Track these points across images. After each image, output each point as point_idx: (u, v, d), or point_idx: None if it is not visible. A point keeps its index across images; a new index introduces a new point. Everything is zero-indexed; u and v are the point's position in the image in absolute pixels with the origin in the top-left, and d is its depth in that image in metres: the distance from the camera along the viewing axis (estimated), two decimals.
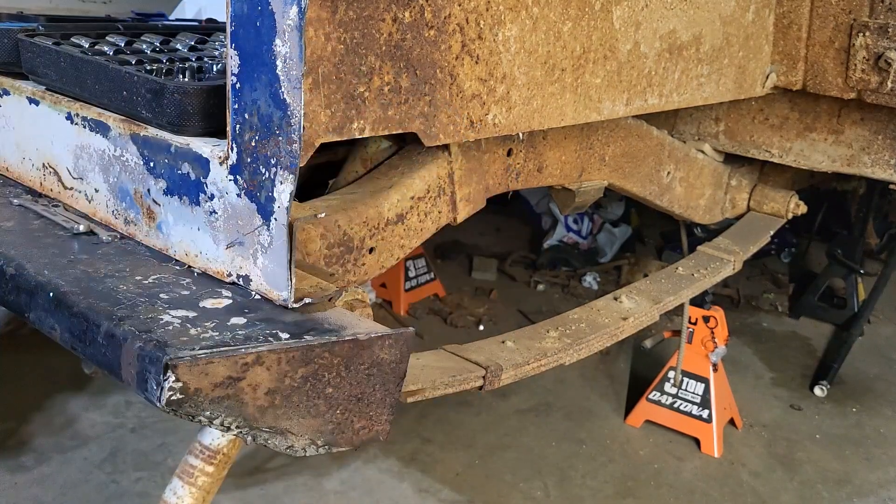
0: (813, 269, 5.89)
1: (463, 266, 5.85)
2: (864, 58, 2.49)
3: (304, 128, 1.28)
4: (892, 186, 2.88)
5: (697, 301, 4.18)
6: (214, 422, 1.23)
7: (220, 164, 1.42)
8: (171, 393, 1.16)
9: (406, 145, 1.87)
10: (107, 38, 1.92)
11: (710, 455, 3.76)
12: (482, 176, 1.97)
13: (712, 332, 3.75)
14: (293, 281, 1.34)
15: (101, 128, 1.65)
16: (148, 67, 1.71)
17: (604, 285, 5.64)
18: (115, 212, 1.65)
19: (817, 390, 4.36)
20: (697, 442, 3.82)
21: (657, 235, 6.50)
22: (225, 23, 1.34)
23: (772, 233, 3.09)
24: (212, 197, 1.44)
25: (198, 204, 1.47)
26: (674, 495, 3.49)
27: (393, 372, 1.37)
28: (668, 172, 2.77)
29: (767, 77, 2.66)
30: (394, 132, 1.51)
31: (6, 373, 3.95)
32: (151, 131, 1.56)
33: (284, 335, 1.28)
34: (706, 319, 3.76)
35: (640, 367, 4.48)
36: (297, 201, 1.58)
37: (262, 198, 1.35)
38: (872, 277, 5.06)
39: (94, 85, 1.68)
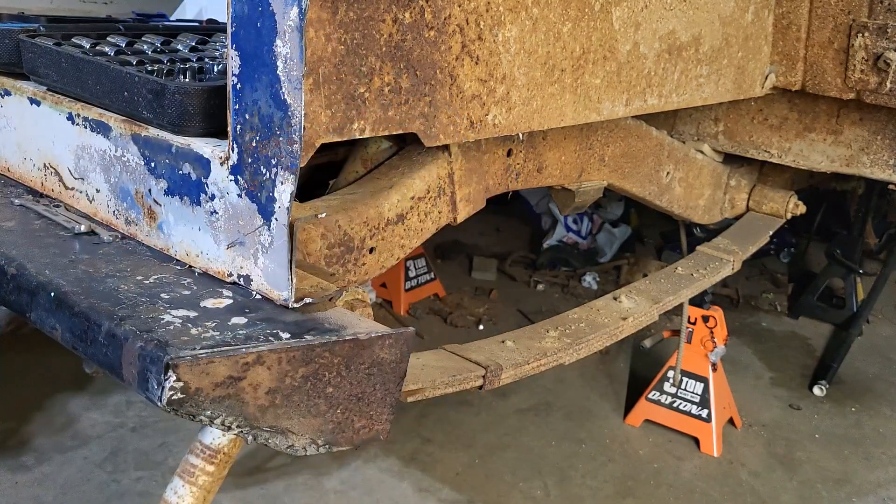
0: (812, 269, 5.90)
1: (463, 266, 5.86)
2: (863, 58, 2.49)
3: (304, 128, 1.28)
4: (891, 186, 2.88)
5: (697, 301, 4.19)
6: (215, 421, 1.23)
7: (221, 164, 1.42)
8: (172, 392, 1.17)
9: (406, 145, 1.87)
10: (108, 38, 1.93)
11: (710, 454, 3.77)
12: (482, 176, 1.97)
13: (711, 332, 3.76)
14: (294, 281, 1.35)
15: (102, 128, 1.65)
16: (149, 68, 1.72)
17: (603, 285, 5.65)
18: (117, 212, 1.66)
19: (816, 390, 4.37)
20: (697, 441, 3.82)
21: (657, 235, 6.51)
22: (226, 23, 1.34)
23: (771, 233, 3.10)
24: (213, 197, 1.45)
25: (199, 204, 1.48)
26: (673, 495, 3.49)
27: (393, 371, 1.38)
28: (668, 173, 2.77)
29: (766, 77, 2.66)
30: (394, 132, 1.51)
31: (7, 373, 3.96)
32: (152, 132, 1.56)
33: (285, 335, 1.29)
34: (705, 319, 3.76)
35: (639, 367, 4.48)
36: (297, 201, 1.58)
37: (262, 198, 1.36)
38: (871, 277, 5.06)
39: (95, 85, 1.68)
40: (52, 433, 3.59)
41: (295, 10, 1.24)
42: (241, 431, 1.27)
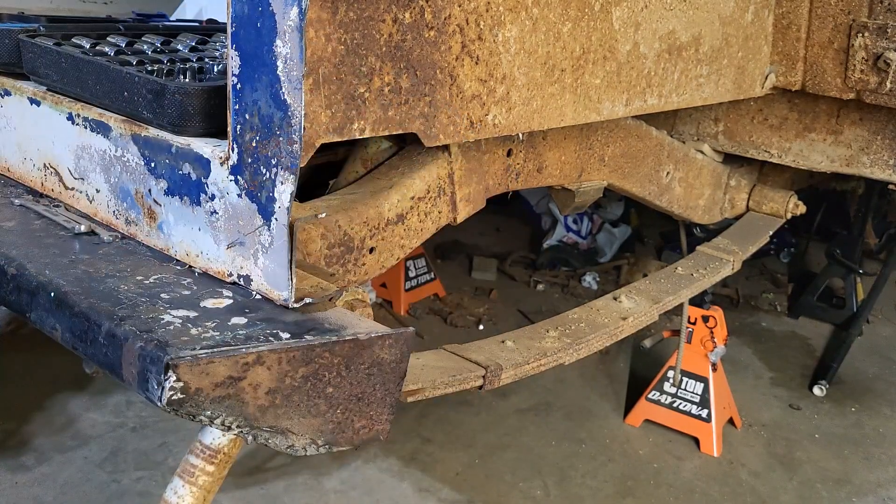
0: (812, 268, 5.90)
1: (463, 266, 5.86)
2: (863, 58, 2.49)
3: (304, 128, 1.28)
4: (891, 186, 2.88)
5: (697, 301, 4.19)
6: (215, 421, 1.23)
7: (221, 164, 1.42)
8: (171, 393, 1.17)
9: (406, 146, 1.87)
10: (108, 38, 1.93)
11: (710, 454, 3.77)
12: (482, 176, 1.97)
13: (711, 332, 3.76)
14: (294, 281, 1.35)
15: (102, 128, 1.66)
16: (149, 68, 1.72)
17: (603, 285, 5.65)
18: (117, 212, 1.66)
19: (816, 390, 4.37)
20: (697, 441, 3.82)
21: (657, 235, 6.51)
22: (226, 23, 1.34)
23: (771, 233, 3.10)
24: (213, 197, 1.45)
25: (199, 204, 1.48)
26: (673, 495, 3.49)
27: (393, 371, 1.38)
28: (668, 173, 2.77)
29: (766, 77, 2.66)
30: (394, 133, 1.51)
31: (7, 373, 3.96)
32: (152, 132, 1.56)
33: (285, 335, 1.29)
34: (705, 319, 3.76)
35: (639, 367, 4.48)
36: (297, 201, 1.58)
37: (262, 198, 1.36)
38: (871, 277, 5.07)
39: (95, 85, 1.68)
40: (52, 433, 3.59)
41: (295, 10, 1.24)
42: (241, 431, 1.27)
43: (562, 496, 3.43)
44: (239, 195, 1.40)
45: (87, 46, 1.85)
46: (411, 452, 3.65)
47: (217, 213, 1.45)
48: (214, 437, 1.46)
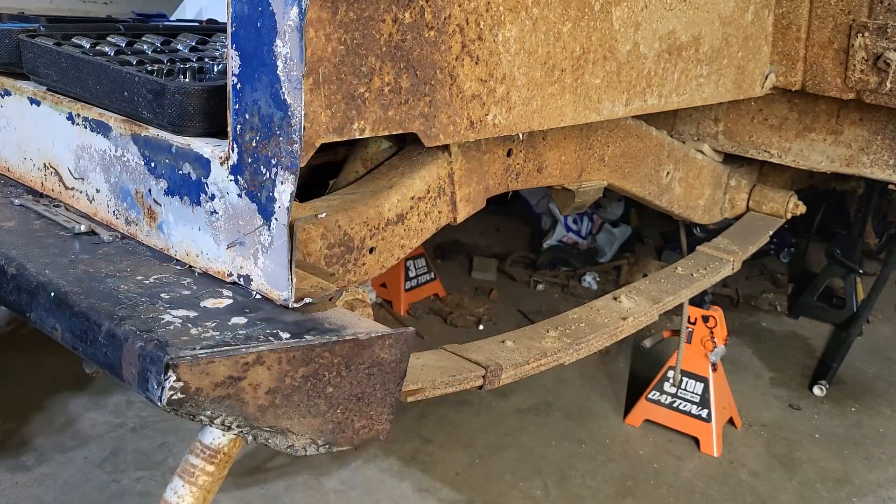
0: (812, 268, 5.90)
1: (463, 266, 5.86)
2: (863, 58, 2.49)
3: (304, 128, 1.28)
4: (891, 186, 2.88)
5: (697, 301, 4.19)
6: (215, 421, 1.23)
7: (221, 164, 1.42)
8: (171, 392, 1.17)
9: (406, 145, 1.87)
10: (108, 38, 1.93)
11: (710, 454, 3.77)
12: (482, 176, 1.97)
13: (711, 332, 3.76)
14: (294, 281, 1.35)
15: (102, 128, 1.66)
16: (149, 68, 1.72)
17: (603, 285, 5.65)
18: (117, 212, 1.66)
19: (816, 390, 4.37)
20: (697, 441, 3.82)
21: (657, 235, 6.51)
22: (226, 23, 1.34)
23: (771, 233, 3.10)
24: (213, 197, 1.45)
25: (199, 204, 1.48)
26: (673, 495, 3.49)
27: (393, 371, 1.38)
28: (668, 173, 2.77)
29: (766, 77, 2.66)
30: (394, 132, 1.52)
31: (6, 373, 3.96)
32: (152, 132, 1.56)
33: (285, 335, 1.29)
34: (705, 319, 3.76)
35: (639, 367, 4.48)
36: (297, 201, 1.58)
37: (262, 198, 1.36)
38: (871, 277, 5.07)
39: (95, 85, 1.68)
40: (52, 433, 3.59)
41: (295, 10, 1.24)
42: (241, 431, 1.27)
43: (562, 496, 3.43)
44: (239, 195, 1.40)
45: (87, 46, 1.85)
46: (411, 452, 3.65)
47: (217, 213, 1.45)
48: (214, 437, 1.46)
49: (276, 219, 1.34)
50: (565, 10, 1.79)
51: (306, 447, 1.33)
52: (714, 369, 3.79)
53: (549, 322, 2.19)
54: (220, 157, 1.42)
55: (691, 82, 2.30)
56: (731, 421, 3.98)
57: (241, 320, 1.32)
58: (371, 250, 1.67)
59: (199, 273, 1.49)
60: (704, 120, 3.04)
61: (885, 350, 4.96)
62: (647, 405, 3.94)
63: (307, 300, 1.36)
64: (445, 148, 1.85)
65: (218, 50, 2.00)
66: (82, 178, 1.73)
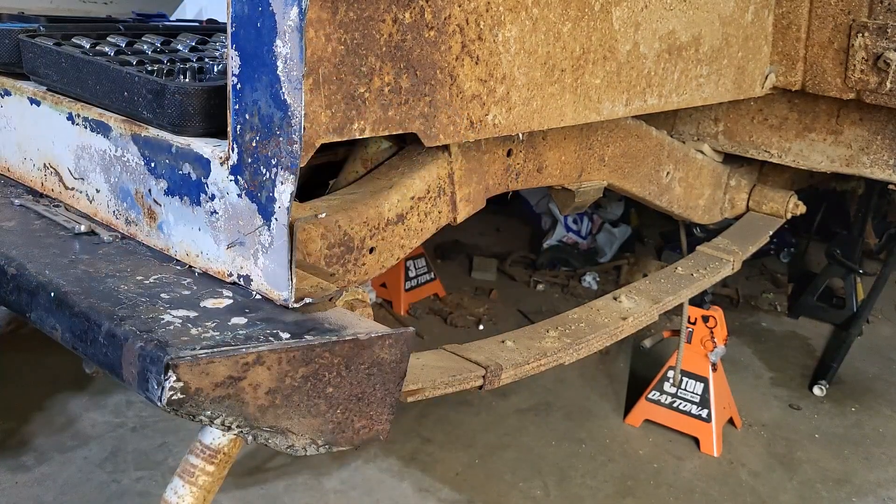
0: (812, 268, 5.90)
1: (463, 266, 5.86)
2: (863, 58, 2.49)
3: (304, 128, 1.28)
4: (891, 186, 2.88)
5: (697, 301, 4.19)
6: (215, 421, 1.23)
7: (221, 164, 1.42)
8: (171, 393, 1.17)
9: (406, 146, 1.87)
10: (108, 38, 1.93)
11: (710, 454, 3.77)
12: (482, 176, 1.97)
13: (711, 332, 3.76)
14: (294, 281, 1.35)
15: (102, 128, 1.66)
16: (149, 68, 1.72)
17: (603, 285, 5.65)
18: (117, 212, 1.66)
19: (816, 390, 4.37)
20: (697, 441, 3.82)
21: (657, 235, 6.51)
22: (226, 23, 1.34)
23: (771, 233, 3.10)
24: (213, 197, 1.45)
25: (199, 204, 1.48)
26: (673, 495, 3.49)
27: (393, 371, 1.38)
28: (668, 173, 2.77)
29: (766, 77, 2.66)
30: (394, 133, 1.52)
31: (6, 373, 3.96)
32: (152, 132, 1.56)
33: (285, 335, 1.29)
34: (705, 319, 3.76)
35: (639, 367, 4.48)
36: (297, 201, 1.58)
37: (262, 198, 1.36)
38: (871, 277, 5.07)
39: (95, 85, 1.68)
40: (52, 433, 3.59)
41: (295, 10, 1.24)
42: (241, 431, 1.27)
43: (562, 496, 3.43)
44: (239, 195, 1.40)
45: (87, 46, 1.85)
46: (411, 452, 3.65)
47: (217, 213, 1.45)
48: (214, 437, 1.46)
49: (276, 219, 1.34)
50: (565, 10, 1.79)
51: (306, 447, 1.33)
52: (714, 369, 3.79)
53: (549, 322, 2.19)
54: (220, 158, 1.42)
55: (691, 82, 2.30)
56: (731, 421, 3.98)
57: (241, 320, 1.32)
58: (371, 250, 1.67)
59: (199, 273, 1.49)
60: (704, 120, 3.04)
61: (885, 350, 4.96)
62: (647, 405, 3.94)
63: (307, 300, 1.36)
64: (445, 148, 1.85)
65: (218, 50, 2.00)
66: (82, 179, 1.73)
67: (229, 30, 1.33)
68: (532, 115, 1.79)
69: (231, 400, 1.22)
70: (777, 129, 2.95)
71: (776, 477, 3.66)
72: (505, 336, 2.06)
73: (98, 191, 1.69)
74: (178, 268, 1.52)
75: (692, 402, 3.82)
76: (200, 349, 1.20)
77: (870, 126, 2.77)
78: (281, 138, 1.30)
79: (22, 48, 1.86)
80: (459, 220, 1.93)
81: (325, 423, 1.33)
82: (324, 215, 1.56)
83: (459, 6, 1.55)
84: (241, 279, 1.43)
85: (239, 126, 1.36)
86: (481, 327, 4.96)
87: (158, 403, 1.18)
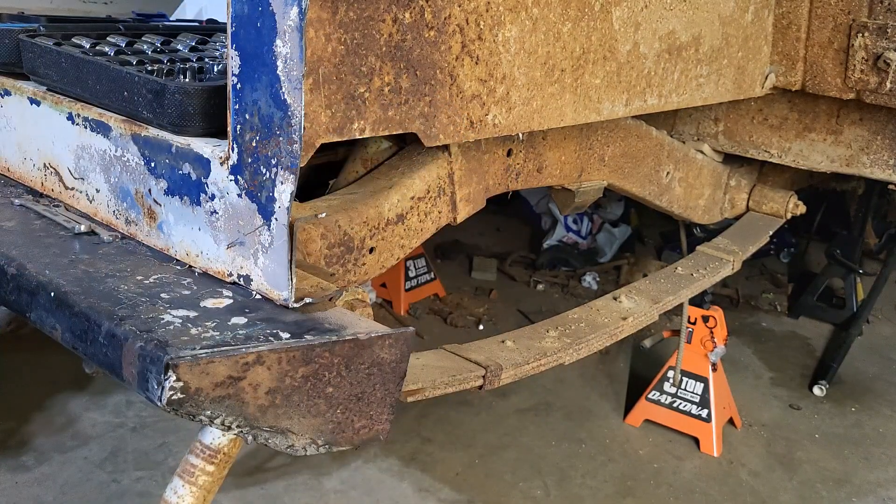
0: (812, 269, 5.90)
1: (463, 266, 5.86)
2: (862, 58, 2.49)
3: (304, 128, 1.28)
4: (891, 186, 2.89)
5: (697, 301, 4.19)
6: (215, 421, 1.23)
7: (221, 164, 1.42)
8: (171, 392, 1.17)
9: (406, 146, 1.88)
10: (108, 38, 1.93)
11: (710, 454, 3.77)
12: (482, 176, 1.97)
13: (711, 332, 3.76)
14: (294, 281, 1.35)
15: (102, 128, 1.66)
16: (149, 68, 1.72)
17: (603, 285, 5.65)
18: (117, 212, 1.66)
19: (816, 390, 4.37)
20: (697, 441, 3.82)
21: (657, 235, 6.51)
22: (226, 23, 1.34)
23: (771, 233, 3.10)
24: (213, 197, 1.45)
25: (199, 204, 1.48)
26: (673, 494, 3.49)
27: (393, 371, 1.38)
28: (668, 173, 2.77)
29: (766, 77, 2.66)
30: (394, 133, 1.52)
31: (6, 373, 3.96)
32: (152, 131, 1.56)
33: (285, 335, 1.29)
34: (705, 319, 3.76)
35: (639, 367, 4.48)
36: (297, 201, 1.58)
37: (262, 198, 1.36)
38: (871, 277, 5.07)
39: (95, 85, 1.68)
40: (52, 433, 3.59)
41: (295, 10, 1.24)
42: (241, 431, 1.27)
43: (562, 496, 3.43)
44: (239, 195, 1.40)
45: (87, 46, 1.85)
46: (411, 452, 3.65)
47: (217, 213, 1.45)
48: (214, 436, 1.46)
49: (276, 219, 1.34)
50: (565, 10, 1.79)
51: (306, 447, 1.34)
52: (714, 369, 3.79)
53: (549, 322, 2.19)
54: (220, 157, 1.42)
55: (691, 82, 2.30)
56: (731, 421, 3.98)
57: (241, 320, 1.32)
58: (371, 250, 1.67)
59: (199, 273, 1.49)
60: (704, 120, 3.05)
61: (885, 350, 4.96)
62: (647, 405, 3.94)
63: (307, 300, 1.36)
64: (445, 148, 1.85)
65: (218, 50, 2.00)
66: (82, 178, 1.73)
67: (229, 30, 1.34)
68: (532, 115, 1.79)
69: (231, 400, 1.22)
70: (777, 129, 2.95)
71: (776, 477, 3.66)
72: (505, 336, 2.06)
73: (98, 191, 1.69)
74: (178, 268, 1.52)
75: (692, 402, 3.82)
76: (200, 349, 1.20)
77: (870, 126, 2.77)
78: (281, 138, 1.30)
79: (22, 48, 1.86)
80: (459, 220, 1.93)
81: (325, 423, 1.33)
82: (324, 215, 1.56)
83: (459, 6, 1.55)
84: (241, 279, 1.44)
85: (239, 126, 1.36)
86: (481, 327, 4.96)
87: (158, 403, 1.18)
